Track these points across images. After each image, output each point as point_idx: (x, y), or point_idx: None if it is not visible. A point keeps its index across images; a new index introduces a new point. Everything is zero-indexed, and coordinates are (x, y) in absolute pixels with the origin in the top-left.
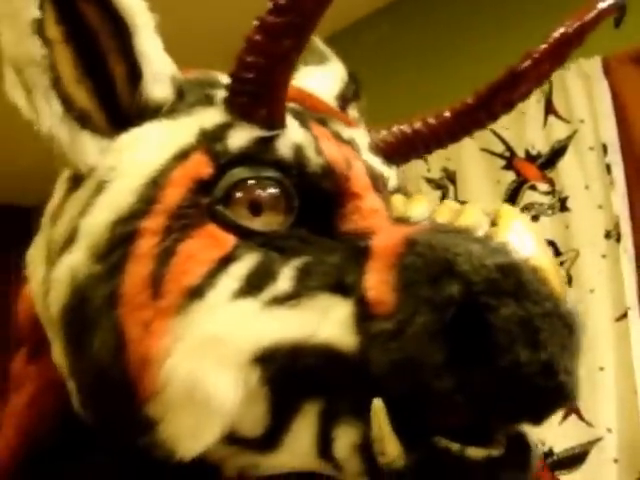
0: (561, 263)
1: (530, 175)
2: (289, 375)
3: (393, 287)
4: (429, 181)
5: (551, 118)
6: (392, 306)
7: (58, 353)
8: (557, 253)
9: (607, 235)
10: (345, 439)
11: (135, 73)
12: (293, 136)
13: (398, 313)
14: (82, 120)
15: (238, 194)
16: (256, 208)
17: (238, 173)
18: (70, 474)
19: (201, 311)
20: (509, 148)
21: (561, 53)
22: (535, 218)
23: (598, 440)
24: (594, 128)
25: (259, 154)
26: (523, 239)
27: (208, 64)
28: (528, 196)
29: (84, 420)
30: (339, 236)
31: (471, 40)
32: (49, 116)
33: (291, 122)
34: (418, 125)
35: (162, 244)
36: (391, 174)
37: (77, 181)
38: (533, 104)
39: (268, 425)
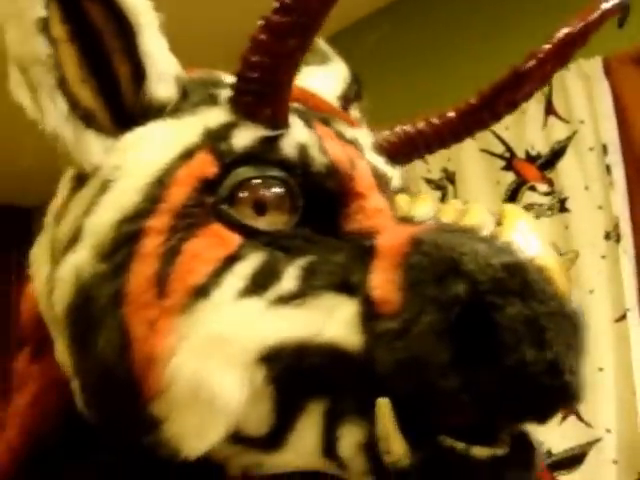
0: None
1: (530, 176)
2: (294, 374)
3: (399, 286)
4: (429, 182)
5: (551, 119)
6: (398, 305)
7: (62, 352)
8: None
9: (607, 236)
10: (350, 438)
11: (139, 72)
12: (297, 136)
13: (404, 312)
14: (87, 119)
15: (243, 193)
16: (261, 207)
17: (243, 172)
18: (73, 473)
19: (206, 310)
20: (509, 149)
21: (565, 53)
22: (535, 219)
23: (597, 441)
24: (594, 129)
25: (264, 153)
26: (528, 238)
27: (212, 64)
28: (528, 197)
29: (87, 419)
30: (343, 236)
31: (472, 40)
32: (54, 115)
33: (295, 122)
34: (421, 125)
35: (167, 243)
36: (394, 174)
37: (81, 180)
38: (533, 105)
39: (273, 424)
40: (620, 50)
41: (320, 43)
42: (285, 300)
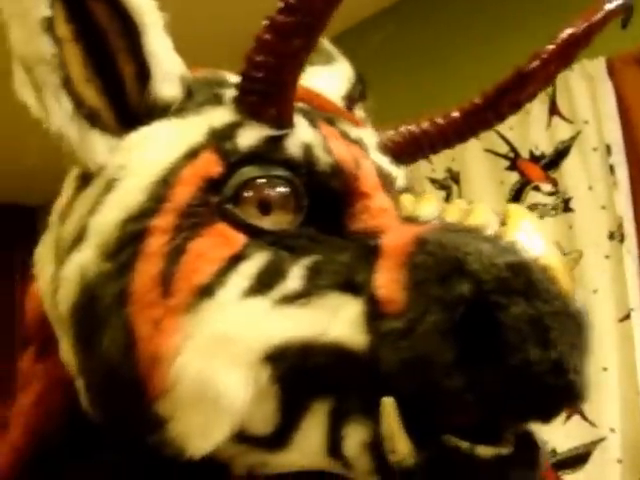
0: None
1: (534, 176)
2: (299, 374)
3: (403, 286)
4: (433, 181)
5: (555, 119)
6: (402, 305)
7: (66, 351)
8: None
9: (611, 236)
10: (355, 437)
11: (144, 72)
12: (302, 135)
13: (408, 312)
14: (91, 119)
15: (248, 193)
16: (265, 207)
17: (248, 172)
18: (77, 473)
19: (211, 309)
20: (513, 149)
21: (568, 54)
22: (539, 219)
23: (601, 440)
24: (598, 129)
25: (269, 153)
26: (532, 238)
27: (216, 63)
28: (532, 197)
29: (91, 418)
30: (348, 235)
31: (476, 40)
32: (59, 115)
33: (300, 121)
34: (426, 125)
35: (172, 242)
36: (399, 174)
37: (86, 180)
38: (537, 105)
39: (278, 423)
40: (624, 51)
41: (325, 43)
42: (290, 299)
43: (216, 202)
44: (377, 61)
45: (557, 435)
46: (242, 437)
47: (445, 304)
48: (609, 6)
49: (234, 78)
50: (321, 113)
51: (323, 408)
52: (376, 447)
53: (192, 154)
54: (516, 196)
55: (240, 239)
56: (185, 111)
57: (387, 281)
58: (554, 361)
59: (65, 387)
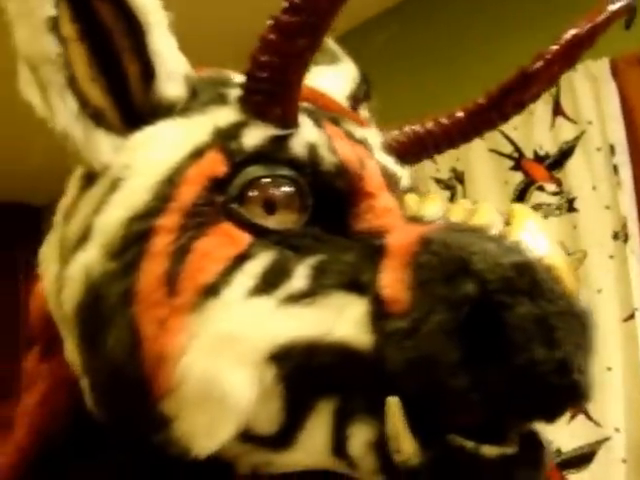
0: None
1: (538, 176)
2: (304, 373)
3: (408, 285)
4: (438, 181)
5: (559, 119)
6: (407, 304)
7: (71, 351)
8: None
9: (615, 236)
10: (360, 437)
11: (149, 71)
12: (307, 135)
13: (413, 311)
14: (96, 118)
15: (252, 192)
16: (270, 206)
17: (253, 171)
18: (81, 473)
19: (216, 309)
20: (517, 149)
21: (572, 54)
22: (543, 218)
23: (606, 440)
24: (602, 129)
25: (274, 153)
26: (536, 238)
27: (221, 63)
28: (536, 197)
29: (96, 418)
30: (353, 235)
31: (479, 39)
32: (64, 114)
33: (305, 121)
34: (430, 125)
35: (177, 242)
36: (404, 173)
37: (91, 179)
38: (541, 105)
39: (283, 423)
40: (627, 51)
41: (329, 43)
42: (295, 299)
43: (221, 201)
44: (381, 61)
45: (562, 435)
46: (247, 436)
47: (450, 304)
48: (613, 7)
49: (239, 78)
50: (326, 113)
51: (328, 407)
52: (381, 447)
53: (197, 153)
54: (520, 196)
55: (245, 238)
56: (190, 111)
57: (392, 281)
58: (559, 361)
59: (70, 387)
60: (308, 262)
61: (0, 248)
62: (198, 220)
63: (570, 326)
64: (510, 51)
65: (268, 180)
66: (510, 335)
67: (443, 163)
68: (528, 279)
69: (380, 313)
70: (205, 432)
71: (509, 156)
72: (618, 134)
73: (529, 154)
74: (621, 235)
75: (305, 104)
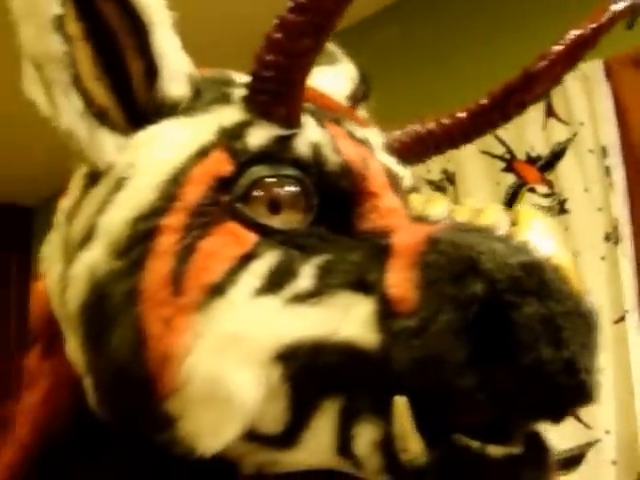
0: None
1: (530, 177)
2: (310, 373)
3: (416, 285)
4: (429, 183)
5: (551, 121)
6: (415, 304)
7: (74, 350)
8: None
9: (606, 238)
10: (365, 436)
11: (152, 71)
12: (311, 135)
13: (421, 311)
14: (100, 117)
15: (257, 192)
16: (275, 206)
17: (258, 171)
18: (85, 472)
19: (222, 308)
20: (509, 150)
21: (575, 55)
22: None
23: (596, 442)
24: (594, 131)
25: (278, 152)
26: (543, 238)
27: (223, 63)
28: (528, 198)
29: (99, 417)
30: (357, 235)
31: (477, 39)
32: (68, 113)
33: (308, 121)
34: (431, 125)
35: (183, 241)
36: (406, 174)
37: (94, 178)
38: (533, 106)
39: (288, 422)
40: (621, 52)
41: (328, 43)
42: (301, 298)
43: (226, 201)
44: (379, 59)
45: (552, 436)
46: (252, 436)
47: (458, 303)
48: (615, 7)
49: (242, 78)
50: (327, 113)
51: (333, 407)
52: (387, 446)
53: (202, 153)
54: (512, 198)
55: (251, 238)
56: (194, 110)
57: (399, 280)
58: (566, 361)
59: (72, 385)
60: (314, 262)
61: None
62: (203, 220)
63: (577, 326)
64: (509, 50)
65: (273, 180)
66: (518, 335)
67: (434, 164)
68: (536, 279)
69: (387, 312)
70: (210, 432)
71: (501, 157)
72: (611, 136)
73: (521, 155)
74: (613, 237)
75: (307, 104)
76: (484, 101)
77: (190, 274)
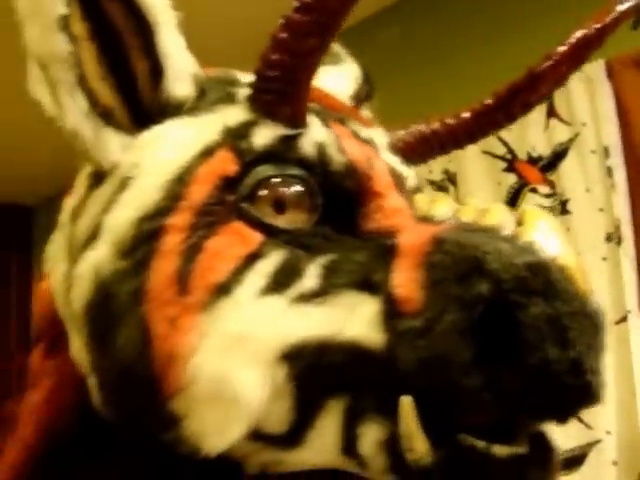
0: None
1: (531, 178)
2: (315, 372)
3: (421, 285)
4: (430, 183)
5: (553, 121)
6: (420, 304)
7: (78, 349)
8: None
9: (608, 238)
10: (370, 436)
11: (157, 70)
12: (316, 135)
13: (426, 311)
14: (105, 117)
15: (263, 192)
16: (280, 206)
17: (263, 171)
18: (89, 472)
19: (228, 308)
20: (510, 150)
21: (580, 55)
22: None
23: (597, 442)
24: (596, 131)
25: (283, 152)
26: (549, 238)
27: (228, 63)
28: (529, 198)
29: (103, 416)
30: (362, 235)
31: (479, 38)
32: (74, 113)
33: (313, 121)
34: (436, 125)
35: (188, 241)
36: (410, 174)
37: (99, 178)
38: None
39: (293, 422)
40: (623, 53)
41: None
42: (307, 298)
43: (232, 201)
44: (379, 60)
45: (556, 436)
46: (257, 435)
47: (464, 303)
48: (620, 7)
49: (246, 77)
50: (332, 113)
51: (338, 406)
52: (391, 446)
53: (207, 152)
54: (513, 198)
55: (256, 238)
56: (198, 110)
57: (405, 280)
58: (572, 361)
59: (76, 383)
60: (319, 261)
61: None
62: (209, 219)
63: (583, 326)
64: (509, 50)
65: (278, 180)
66: (524, 335)
67: (435, 164)
68: (542, 279)
69: (392, 312)
70: (215, 431)
71: (502, 157)
72: (612, 136)
73: (522, 156)
74: (614, 237)
75: (312, 104)
76: (489, 101)
77: (195, 274)
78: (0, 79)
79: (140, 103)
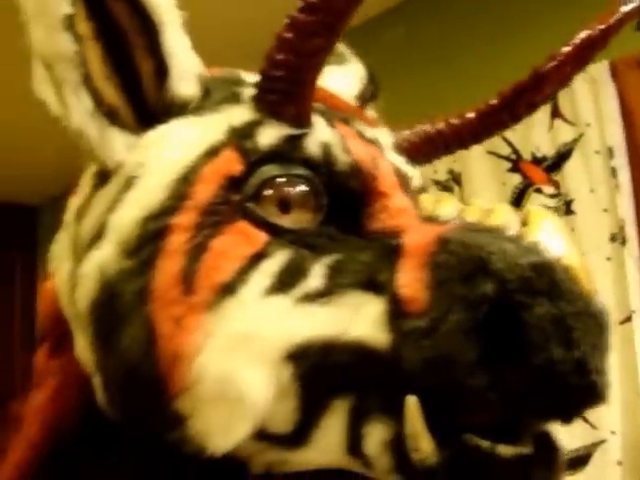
0: None
1: (536, 178)
2: (320, 372)
3: (426, 285)
4: (435, 183)
5: (557, 121)
6: (425, 304)
7: (83, 348)
8: None
9: (612, 238)
10: (375, 436)
11: (162, 70)
12: (321, 135)
13: (431, 311)
14: (110, 116)
15: (268, 191)
16: (285, 205)
17: (268, 171)
18: (94, 471)
19: (233, 307)
20: (515, 151)
21: (585, 56)
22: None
23: (602, 442)
24: (600, 132)
25: (288, 152)
26: (553, 239)
27: (232, 62)
28: (534, 199)
29: (108, 415)
30: (367, 235)
31: (482, 38)
32: (79, 112)
33: (318, 121)
34: (441, 125)
35: (193, 240)
36: (415, 174)
37: (104, 177)
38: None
39: (298, 421)
40: (627, 54)
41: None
42: (312, 298)
43: (237, 200)
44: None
45: (562, 436)
46: (262, 435)
47: (468, 303)
48: (625, 8)
49: (251, 77)
50: (337, 113)
51: (343, 406)
52: (397, 446)
53: (213, 152)
54: (518, 198)
55: (261, 237)
56: (203, 109)
57: (410, 280)
58: (577, 361)
59: (80, 383)
60: (324, 261)
61: None
62: (214, 219)
63: (587, 327)
64: (514, 50)
65: (283, 179)
66: (529, 335)
67: (440, 164)
68: (547, 279)
69: (397, 312)
70: (221, 431)
71: (507, 158)
72: (617, 137)
73: (527, 156)
74: (619, 238)
75: (316, 104)
76: (494, 101)
77: (201, 273)
78: (3, 79)
79: (145, 102)
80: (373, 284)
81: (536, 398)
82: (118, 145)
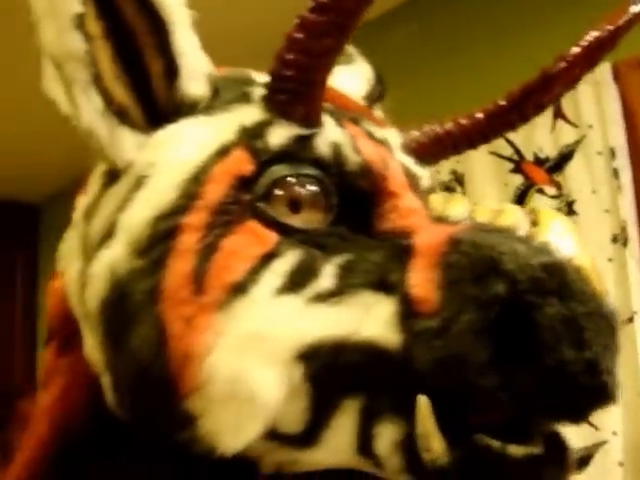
0: None
1: (538, 179)
2: (331, 372)
3: (438, 285)
4: (438, 183)
5: (560, 122)
6: (437, 304)
7: (92, 348)
8: None
9: (614, 239)
10: (386, 436)
11: (172, 70)
12: (331, 135)
13: (443, 311)
14: (120, 116)
15: (278, 191)
16: (296, 205)
17: (278, 170)
18: (104, 470)
19: (244, 307)
20: (517, 151)
21: (594, 57)
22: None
23: (603, 443)
24: (602, 133)
25: (299, 152)
26: (563, 239)
27: (240, 62)
28: (536, 199)
29: (116, 415)
30: (377, 235)
31: (497, 33)
32: (88, 111)
33: (328, 121)
34: (449, 125)
35: (204, 240)
36: (424, 174)
37: (113, 177)
38: None
39: (308, 421)
40: (629, 55)
41: None
42: (323, 298)
43: (247, 200)
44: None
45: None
46: (272, 435)
47: (480, 303)
48: (634, 9)
49: (261, 77)
50: (346, 113)
51: (354, 406)
52: (407, 446)
53: (223, 152)
54: (520, 198)
55: (272, 237)
56: (213, 109)
57: (421, 280)
58: (588, 361)
59: (89, 382)
60: (335, 261)
61: None
62: (225, 218)
63: (599, 327)
64: (526, 45)
65: (293, 179)
66: (540, 335)
67: (443, 165)
68: (558, 280)
69: (409, 312)
70: (231, 431)
71: (509, 159)
72: (619, 138)
73: (529, 157)
74: (620, 239)
75: (326, 104)
76: (502, 102)
77: (212, 273)
78: (6, 79)
79: (155, 102)
80: (384, 284)
81: (547, 398)
82: (128, 144)
